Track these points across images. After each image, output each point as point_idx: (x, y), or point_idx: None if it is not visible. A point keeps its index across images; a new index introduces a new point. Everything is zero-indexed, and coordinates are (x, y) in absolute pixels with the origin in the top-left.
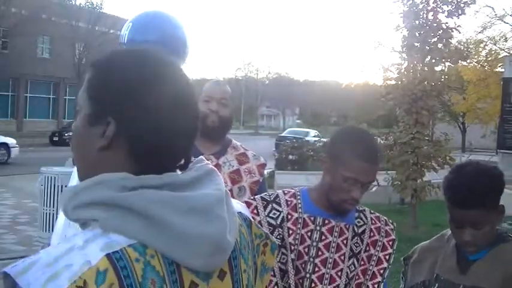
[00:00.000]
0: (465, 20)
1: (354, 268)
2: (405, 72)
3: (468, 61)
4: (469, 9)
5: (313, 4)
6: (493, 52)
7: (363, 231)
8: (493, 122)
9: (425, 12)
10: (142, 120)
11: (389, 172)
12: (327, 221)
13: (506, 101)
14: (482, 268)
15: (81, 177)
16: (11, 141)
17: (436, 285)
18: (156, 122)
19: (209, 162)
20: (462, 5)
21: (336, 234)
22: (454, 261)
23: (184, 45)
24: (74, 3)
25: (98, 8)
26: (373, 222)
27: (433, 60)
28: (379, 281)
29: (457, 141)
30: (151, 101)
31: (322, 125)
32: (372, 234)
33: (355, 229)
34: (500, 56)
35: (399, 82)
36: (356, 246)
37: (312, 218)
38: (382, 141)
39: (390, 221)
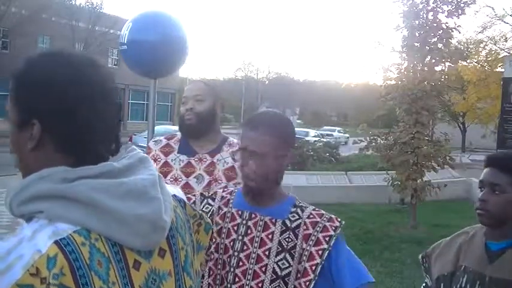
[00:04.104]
0: (465, 20)
1: (287, 264)
2: (405, 72)
3: (468, 61)
4: (469, 9)
5: (313, 4)
6: (493, 52)
7: (297, 226)
8: (493, 122)
9: (425, 12)
10: (63, 118)
11: (389, 172)
12: (253, 215)
13: (506, 101)
14: (509, 260)
15: (24, 176)
16: None
17: (465, 276)
18: (76, 118)
19: (140, 151)
20: (462, 5)
21: (259, 228)
22: (481, 253)
23: (184, 45)
24: (74, 3)
25: (98, 8)
26: (311, 216)
27: (433, 60)
28: (311, 279)
29: (457, 141)
30: (68, 99)
31: (322, 125)
32: (305, 227)
33: (288, 223)
34: (500, 56)
35: (399, 82)
36: (287, 241)
37: (240, 212)
38: (382, 141)
39: (339, 219)
